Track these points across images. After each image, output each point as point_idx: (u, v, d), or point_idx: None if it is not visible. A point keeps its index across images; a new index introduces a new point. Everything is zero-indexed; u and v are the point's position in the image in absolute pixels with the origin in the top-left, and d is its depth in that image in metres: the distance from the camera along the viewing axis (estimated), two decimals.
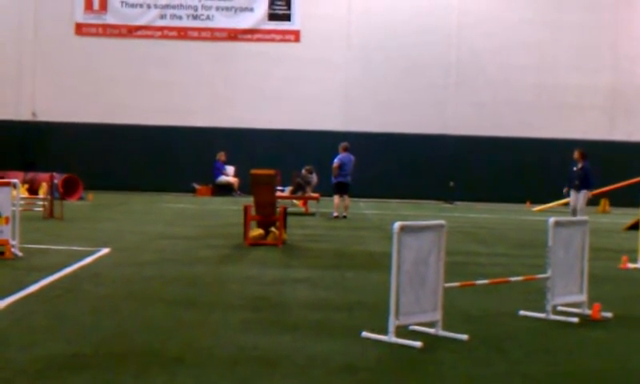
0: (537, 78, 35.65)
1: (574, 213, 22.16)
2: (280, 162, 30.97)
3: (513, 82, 35.62)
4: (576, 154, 22.82)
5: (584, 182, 22.52)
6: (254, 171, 17.19)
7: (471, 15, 35.53)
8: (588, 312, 9.96)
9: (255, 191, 16.99)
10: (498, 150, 35.16)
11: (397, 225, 8.27)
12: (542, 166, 34.33)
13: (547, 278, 9.78)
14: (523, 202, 33.53)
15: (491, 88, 35.61)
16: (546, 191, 32.45)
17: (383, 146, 35.28)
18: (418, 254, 8.50)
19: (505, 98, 35.60)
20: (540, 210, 30.23)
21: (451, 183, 33.93)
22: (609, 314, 9.96)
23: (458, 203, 33.53)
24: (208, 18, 35.82)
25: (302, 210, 26.18)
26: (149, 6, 35.76)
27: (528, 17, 35.54)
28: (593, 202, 29.82)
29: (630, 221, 22.52)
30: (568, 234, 10.10)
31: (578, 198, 22.53)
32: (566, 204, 27.85)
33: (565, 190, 23.16)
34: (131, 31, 35.78)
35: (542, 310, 9.78)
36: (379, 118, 35.38)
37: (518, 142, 35.14)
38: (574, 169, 22.74)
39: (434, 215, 25.52)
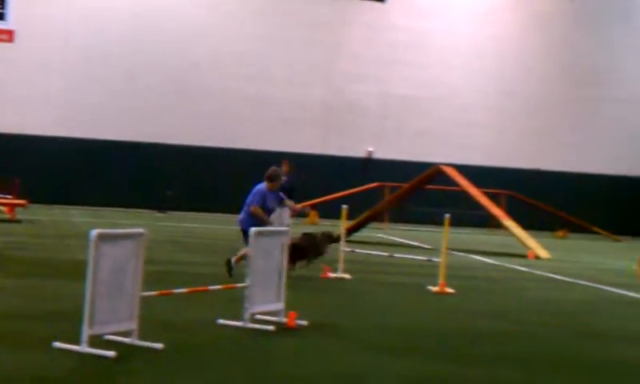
0: (254, 91, 36.37)
1: None
2: None
3: (231, 94, 36.13)
4: (285, 167, 21.37)
5: (290, 196, 19.15)
6: None
7: (192, 24, 35.66)
8: (285, 320, 10.25)
9: None
10: (215, 160, 35.52)
11: (94, 233, 8.12)
12: (257, 177, 34.96)
13: (246, 287, 9.97)
14: (238, 211, 34.01)
15: (209, 98, 35.91)
16: None
17: (97, 154, 34.57)
18: (116, 263, 8.39)
19: (222, 109, 36.02)
20: None
21: (168, 192, 33.84)
22: (304, 322, 10.29)
23: (172, 212, 33.46)
24: None
25: (8, 216, 25.06)
26: None
27: (247, 30, 36.20)
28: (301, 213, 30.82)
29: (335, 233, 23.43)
30: (268, 243, 10.36)
31: (282, 213, 20.78)
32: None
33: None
34: None
35: (241, 318, 9.95)
36: (100, 124, 34.64)
37: (234, 152, 35.67)
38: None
39: (146, 224, 25.29)
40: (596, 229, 36.40)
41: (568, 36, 39.36)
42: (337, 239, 15.93)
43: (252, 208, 14.25)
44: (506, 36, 38.92)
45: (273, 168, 14.60)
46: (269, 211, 14.46)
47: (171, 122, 35.43)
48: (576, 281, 17.95)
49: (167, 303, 10.70)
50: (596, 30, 39.53)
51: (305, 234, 15.64)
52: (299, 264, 15.08)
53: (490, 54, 38.69)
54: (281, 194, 14.73)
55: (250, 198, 14.46)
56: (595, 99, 39.53)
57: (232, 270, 14.35)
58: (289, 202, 14.92)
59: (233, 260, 14.54)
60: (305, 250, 15.23)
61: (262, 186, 14.36)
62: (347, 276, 15.62)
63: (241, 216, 14.71)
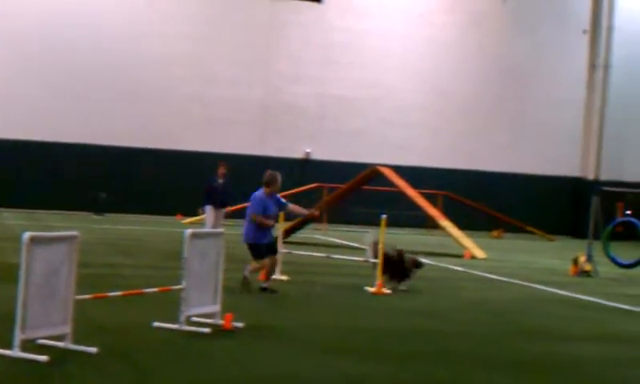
0: (191, 92, 36.14)
1: None
2: None
3: (167, 95, 35.85)
4: (222, 169, 21.60)
5: (226, 198, 21.59)
6: None
7: (130, 25, 35.31)
8: (221, 322, 10.23)
9: None
10: (152, 161, 35.25)
11: (26, 235, 8.03)
12: (195, 179, 34.81)
13: (182, 289, 9.93)
14: (175, 214, 33.86)
15: (146, 99, 35.58)
16: (198, 204, 33.01)
17: (35, 155, 34.09)
18: (49, 266, 8.30)
19: (159, 110, 35.73)
20: (189, 223, 30.63)
21: (102, 194, 33.51)
22: (240, 324, 10.28)
23: (109, 215, 33.13)
24: None
25: None
26: None
27: (183, 31, 35.97)
28: (240, 214, 30.75)
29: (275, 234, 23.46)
30: (204, 245, 10.32)
31: (218, 215, 21.34)
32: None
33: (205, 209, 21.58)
34: None
35: (177, 321, 9.90)
36: (35, 125, 34.10)
37: (172, 153, 35.45)
38: (215, 184, 21.55)
39: (81, 226, 24.98)
40: (531, 229, 36.94)
41: (503, 37, 39.86)
42: (421, 265, 15.60)
43: (252, 216, 13.77)
44: (442, 37, 39.26)
45: (269, 172, 14.09)
46: (270, 217, 13.90)
47: (108, 123, 35.05)
48: (510, 280, 18.21)
49: (102, 306, 10.60)
50: (530, 32, 40.07)
51: (399, 252, 15.34)
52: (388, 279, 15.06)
53: (426, 55, 39.00)
54: (280, 198, 14.15)
55: (249, 208, 13.89)
56: (531, 100, 40.07)
57: (249, 284, 13.72)
58: (292, 206, 14.37)
59: (246, 273, 13.83)
60: (395, 267, 15.13)
61: (261, 192, 13.91)
62: (284, 277, 15.63)
63: (244, 229, 14.07)
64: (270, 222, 13.76)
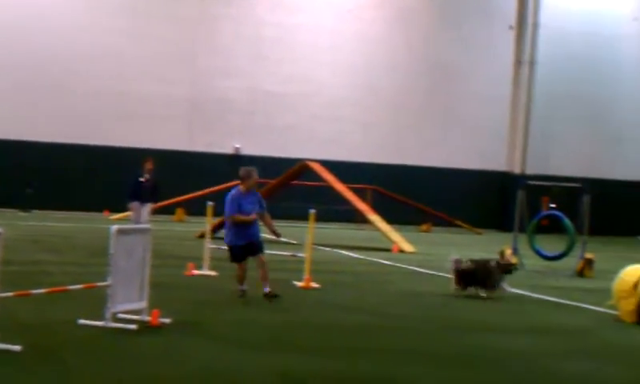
0: (120, 87, 35.67)
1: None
2: None
3: (95, 90, 35.34)
4: (149, 165, 21.36)
5: (153, 194, 21.37)
6: None
7: (55, 18, 34.73)
8: (148, 318, 10.14)
9: None
10: (78, 157, 34.74)
11: None
12: (122, 175, 34.37)
13: (108, 286, 9.83)
14: (102, 210, 33.45)
15: (73, 94, 34.99)
16: (125, 200, 32.69)
17: None
18: None
19: (87, 105, 35.22)
20: (118, 219, 30.30)
21: (28, 190, 32.91)
22: (167, 320, 10.21)
23: (36, 211, 32.59)
24: None
25: None
26: None
27: (112, 24, 35.47)
28: (168, 210, 30.69)
29: (201, 229, 23.30)
30: (130, 241, 10.23)
31: (143, 211, 21.03)
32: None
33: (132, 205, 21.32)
34: None
35: (103, 317, 9.79)
36: None
37: (100, 149, 34.96)
38: (141, 180, 21.23)
39: (6, 223, 24.50)
40: (459, 222, 37.35)
41: (431, 33, 40.18)
42: (513, 269, 15.34)
43: (227, 219, 13.10)
44: (372, 33, 39.43)
45: (243, 168, 13.36)
46: (247, 214, 13.05)
47: (32, 118, 34.43)
48: (438, 273, 18.37)
49: (25, 304, 10.44)
50: (457, 27, 40.45)
51: (475, 261, 15.02)
52: (469, 289, 14.75)
53: (356, 51, 39.14)
54: (262, 199, 13.39)
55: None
56: (459, 96, 40.50)
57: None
58: (268, 218, 13.51)
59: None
60: (474, 276, 14.80)
61: (235, 190, 13.20)
62: (213, 273, 15.56)
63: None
64: (250, 217, 13.01)
